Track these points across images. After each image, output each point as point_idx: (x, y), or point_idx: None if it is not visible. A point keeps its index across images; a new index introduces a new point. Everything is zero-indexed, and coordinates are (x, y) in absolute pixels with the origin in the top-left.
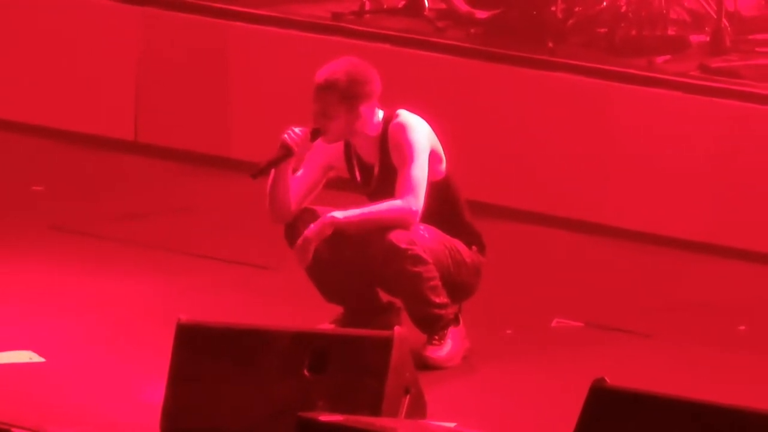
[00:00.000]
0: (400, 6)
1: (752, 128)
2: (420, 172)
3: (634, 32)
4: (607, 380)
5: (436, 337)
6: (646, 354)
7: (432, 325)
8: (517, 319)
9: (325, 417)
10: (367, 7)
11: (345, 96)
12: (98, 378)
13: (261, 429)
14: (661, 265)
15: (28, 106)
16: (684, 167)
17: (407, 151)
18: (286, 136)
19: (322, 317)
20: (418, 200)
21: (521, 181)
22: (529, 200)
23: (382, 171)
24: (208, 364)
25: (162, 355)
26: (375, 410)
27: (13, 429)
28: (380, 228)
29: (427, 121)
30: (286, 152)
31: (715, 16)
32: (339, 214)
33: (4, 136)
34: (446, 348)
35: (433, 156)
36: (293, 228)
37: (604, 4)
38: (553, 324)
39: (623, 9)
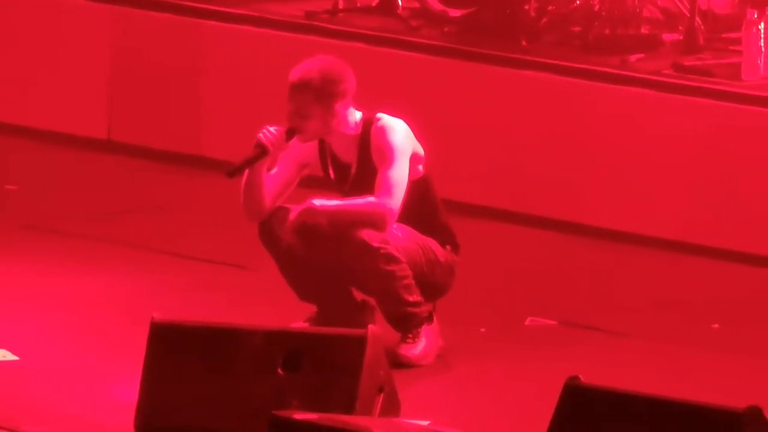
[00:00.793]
0: (373, 5)
1: (726, 126)
2: (400, 174)
3: (607, 31)
4: (581, 378)
5: (410, 336)
6: (620, 352)
7: (405, 324)
8: (491, 317)
9: (300, 415)
10: (341, 5)
11: (320, 95)
12: (72, 377)
13: (235, 428)
14: (634, 263)
15: (0, 105)
16: (658, 165)
17: (389, 153)
18: (261, 135)
19: (296, 316)
20: (395, 200)
21: (495, 179)
22: (503, 199)
23: (359, 171)
24: (182, 362)
25: (136, 353)
26: (349, 409)
27: None
28: (355, 223)
29: (403, 120)
30: (262, 151)
31: (689, 15)
32: (317, 202)
33: None
34: (420, 346)
35: (413, 156)
36: (267, 226)
37: (578, 2)
38: (527, 322)
39: (596, 8)
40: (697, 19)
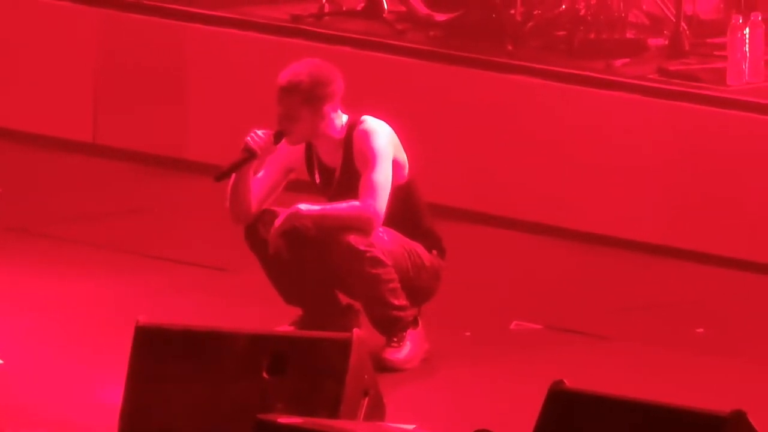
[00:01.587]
0: (359, 8)
1: (710, 131)
2: (383, 177)
3: (592, 35)
4: (566, 382)
5: (395, 339)
6: (604, 356)
7: (391, 327)
8: (476, 321)
9: (284, 419)
10: (326, 9)
11: (308, 98)
12: (56, 379)
13: (219, 431)
14: (619, 267)
15: None
16: (642, 170)
17: (371, 157)
18: (249, 138)
19: (281, 319)
20: (380, 204)
21: (480, 183)
22: (488, 203)
23: (344, 175)
24: (167, 365)
25: (120, 356)
26: (334, 412)
27: None
28: (340, 227)
29: (388, 124)
30: (249, 155)
31: (674, 20)
32: (303, 207)
33: None
34: (405, 350)
35: (396, 162)
36: (253, 229)
37: (563, 7)
38: (512, 326)
39: (582, 12)
40: (683, 24)
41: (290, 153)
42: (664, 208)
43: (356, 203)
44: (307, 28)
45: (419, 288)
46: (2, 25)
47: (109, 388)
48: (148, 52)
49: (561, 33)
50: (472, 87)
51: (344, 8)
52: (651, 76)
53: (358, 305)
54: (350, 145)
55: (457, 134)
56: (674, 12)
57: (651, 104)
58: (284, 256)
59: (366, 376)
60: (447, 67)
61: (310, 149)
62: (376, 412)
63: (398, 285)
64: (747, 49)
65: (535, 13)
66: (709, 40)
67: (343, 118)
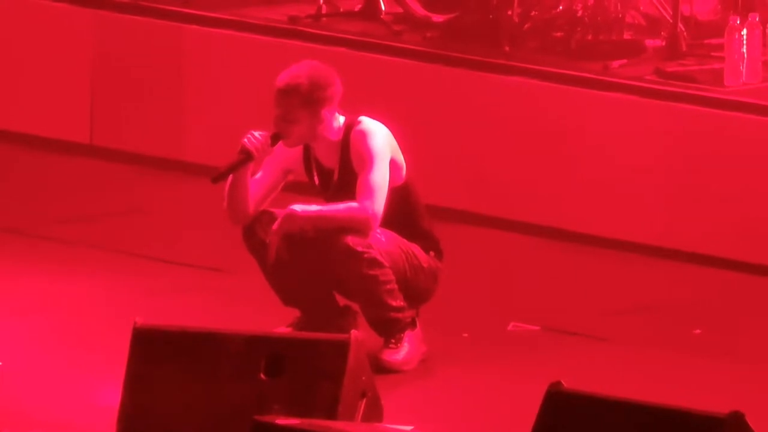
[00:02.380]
0: (356, 10)
1: (708, 132)
2: (380, 177)
3: (590, 36)
4: (564, 384)
5: (393, 341)
6: (602, 358)
7: (389, 329)
8: (474, 322)
9: (282, 420)
10: (324, 10)
11: (307, 100)
12: (54, 381)
13: None
14: (617, 268)
15: None
16: (640, 171)
17: (368, 158)
18: (246, 140)
19: (279, 321)
20: (377, 205)
21: (477, 184)
22: (486, 204)
23: (342, 176)
24: (164, 367)
25: (118, 358)
26: (331, 414)
27: None
28: (338, 228)
29: (384, 125)
30: (246, 157)
31: (671, 21)
32: (298, 208)
33: None
34: (403, 351)
35: (393, 163)
36: (251, 230)
37: (561, 8)
38: (510, 328)
39: (579, 13)
40: (680, 25)
41: (288, 154)
42: (661, 209)
43: (353, 204)
44: (305, 29)
45: (417, 289)
46: None
47: (106, 390)
48: (144, 54)
49: (558, 34)
50: (469, 88)
51: (341, 9)
52: (648, 78)
53: (355, 306)
54: (347, 146)
55: (454, 135)
56: (671, 13)
57: (648, 105)
58: (282, 257)
59: (364, 378)
60: (444, 68)
61: (308, 151)
62: (374, 413)
63: (396, 286)
64: (744, 50)
65: (532, 14)
66: (706, 41)
67: (340, 120)
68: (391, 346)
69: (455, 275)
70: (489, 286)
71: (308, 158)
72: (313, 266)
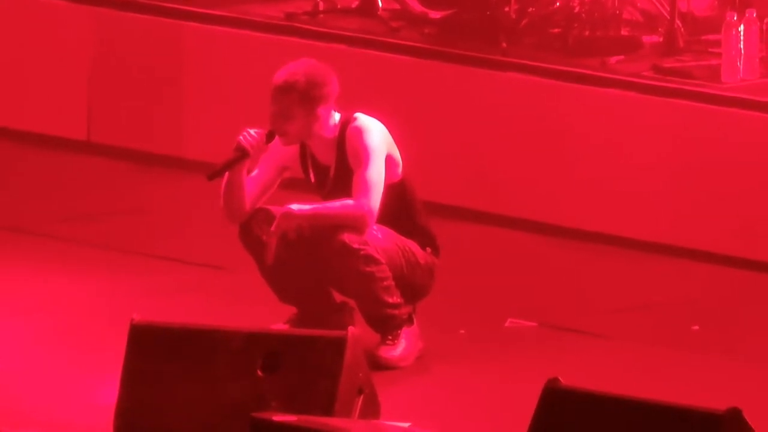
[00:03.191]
0: (353, 6)
1: (705, 128)
2: (376, 174)
3: (587, 33)
4: (561, 380)
5: (390, 337)
6: (599, 354)
7: (385, 325)
8: (471, 319)
9: (279, 417)
10: (321, 7)
11: (304, 98)
12: (51, 379)
13: (214, 429)
14: (613, 265)
15: None
16: (637, 167)
17: (364, 154)
18: (241, 137)
19: (276, 317)
20: (373, 201)
21: (475, 181)
22: (483, 201)
23: (338, 173)
24: (162, 364)
25: (115, 355)
26: (328, 410)
27: None
28: (334, 226)
29: (381, 122)
30: (242, 154)
31: (668, 17)
32: (294, 207)
33: None
34: (400, 348)
35: (389, 159)
36: (247, 228)
37: (558, 4)
38: (507, 324)
39: (576, 9)
40: (677, 21)
41: (285, 151)
42: (658, 206)
43: (349, 201)
44: (302, 26)
45: (413, 285)
46: None
47: (104, 387)
48: (143, 50)
49: (555, 30)
50: (466, 84)
51: (339, 6)
52: (646, 74)
53: (352, 303)
54: (343, 143)
55: (452, 132)
56: (669, 9)
57: (645, 101)
58: (279, 255)
59: (360, 374)
60: (441, 64)
61: (304, 148)
62: (371, 409)
63: (392, 283)
64: (742, 46)
65: (530, 10)
66: (703, 37)
67: (336, 117)
68: (387, 342)
69: (452, 272)
70: (486, 283)
71: (304, 155)
72: (309, 263)
